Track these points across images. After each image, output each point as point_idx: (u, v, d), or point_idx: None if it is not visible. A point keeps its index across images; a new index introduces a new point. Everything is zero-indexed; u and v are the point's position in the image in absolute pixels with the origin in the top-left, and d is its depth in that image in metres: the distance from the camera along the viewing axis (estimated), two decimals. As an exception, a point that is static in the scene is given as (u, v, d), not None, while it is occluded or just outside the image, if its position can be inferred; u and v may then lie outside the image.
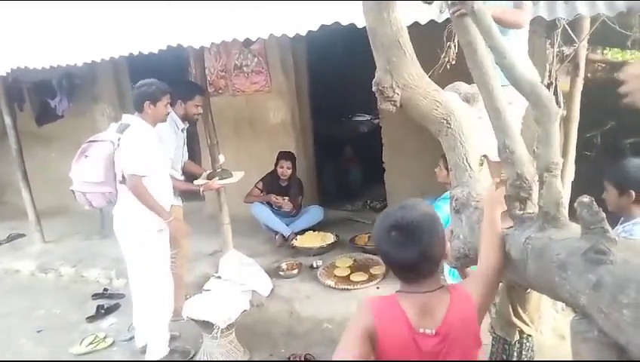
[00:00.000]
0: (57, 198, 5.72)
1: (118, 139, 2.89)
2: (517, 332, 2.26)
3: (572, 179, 3.58)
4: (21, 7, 4.85)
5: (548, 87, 3.14)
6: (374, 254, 3.85)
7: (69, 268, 4.45)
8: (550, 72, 3.09)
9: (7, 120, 4.69)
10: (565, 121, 3.48)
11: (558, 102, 3.33)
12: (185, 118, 3.55)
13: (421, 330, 1.26)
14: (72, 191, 3.02)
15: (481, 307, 1.34)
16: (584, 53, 3.34)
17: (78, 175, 2.95)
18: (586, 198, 1.14)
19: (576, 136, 3.53)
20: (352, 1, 2.18)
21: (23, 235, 5.16)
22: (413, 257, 1.27)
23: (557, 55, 3.10)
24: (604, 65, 6.38)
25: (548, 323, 2.95)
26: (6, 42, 4.05)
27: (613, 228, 1.77)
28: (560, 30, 2.99)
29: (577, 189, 3.64)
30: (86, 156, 2.93)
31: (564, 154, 3.54)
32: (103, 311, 3.80)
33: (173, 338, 3.25)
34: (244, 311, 3.12)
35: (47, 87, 5.38)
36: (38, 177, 5.15)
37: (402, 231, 1.27)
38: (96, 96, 5.49)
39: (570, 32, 2.94)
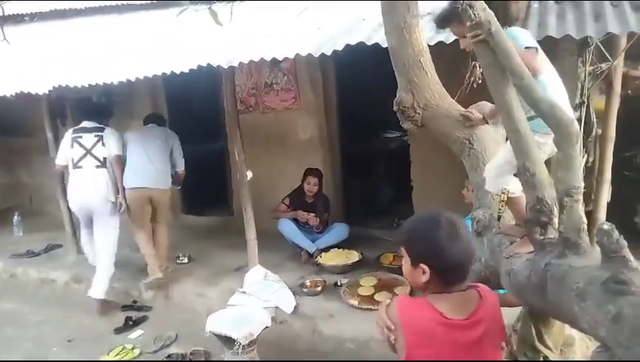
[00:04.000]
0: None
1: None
2: (541, 358, 2.16)
3: (608, 200, 3.44)
4: (63, 29, 5.13)
5: (580, 106, 3.06)
6: (399, 274, 3.79)
7: (102, 279, 4.57)
8: (582, 90, 3.00)
9: (49, 135, 4.92)
10: (601, 140, 3.37)
11: (591, 122, 3.23)
12: None
13: (454, 319, 1.28)
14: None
15: None
16: (620, 71, 3.23)
17: None
18: (605, 225, 1.11)
19: (615, 156, 3.41)
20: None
21: (60, 246, 5.35)
22: (466, 253, 1.31)
23: (590, 73, 3.02)
24: (646, 81, 6.12)
25: (579, 351, 2.82)
26: (49, 61, 4.28)
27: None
28: (593, 48, 2.92)
29: (616, 210, 3.50)
30: None
31: (600, 173, 3.41)
32: (131, 322, 3.89)
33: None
34: (266, 327, 3.13)
35: (88, 104, 5.62)
36: (76, 190, 5.36)
37: (455, 230, 1.29)
38: (133, 113, 5.69)
39: (602, 49, 2.87)
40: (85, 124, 4.24)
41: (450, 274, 1.32)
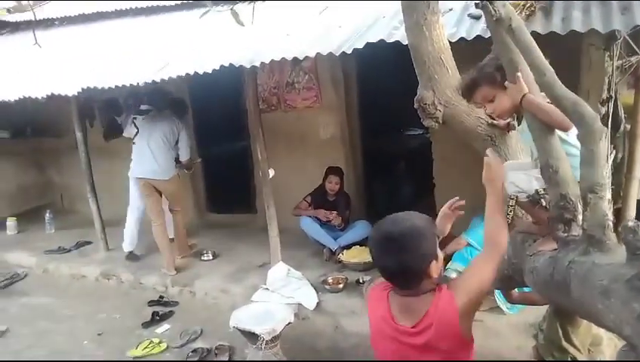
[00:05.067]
0: (121, 209, 6.10)
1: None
2: (569, 359, 2.13)
3: (638, 197, 3.35)
4: (92, 32, 5.28)
5: (608, 101, 2.98)
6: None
7: (129, 275, 4.70)
8: (610, 85, 2.93)
9: (79, 135, 5.06)
10: (630, 136, 3.28)
11: (618, 118, 3.15)
12: None
13: (401, 324, 1.42)
14: None
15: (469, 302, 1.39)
16: (650, 65, 3.14)
17: None
18: (630, 222, 1.09)
19: (644, 152, 3.31)
20: None
21: (89, 243, 5.51)
22: (393, 267, 1.40)
23: (618, 68, 2.94)
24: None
25: (607, 351, 2.76)
26: (78, 64, 4.42)
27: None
28: (621, 42, 2.85)
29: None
30: None
31: (628, 170, 3.33)
32: (157, 317, 3.98)
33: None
34: (289, 323, 3.16)
35: (115, 104, 5.76)
36: (104, 189, 5.51)
37: (387, 242, 1.41)
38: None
39: (631, 43, 2.79)
40: (142, 107, 4.78)
41: (389, 281, 1.45)
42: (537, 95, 1.47)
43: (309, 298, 3.77)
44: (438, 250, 1.44)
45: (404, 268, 1.38)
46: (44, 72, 4.54)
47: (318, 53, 3.06)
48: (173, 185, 4.61)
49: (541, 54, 1.32)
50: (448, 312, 1.36)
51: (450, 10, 3.02)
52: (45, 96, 4.13)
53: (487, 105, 1.72)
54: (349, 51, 2.95)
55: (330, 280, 3.97)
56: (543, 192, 1.55)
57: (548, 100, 1.42)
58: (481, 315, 3.28)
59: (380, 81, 5.73)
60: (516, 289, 2.06)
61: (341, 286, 3.89)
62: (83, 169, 5.14)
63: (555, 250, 1.47)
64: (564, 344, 2.14)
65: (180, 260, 4.70)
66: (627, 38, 2.72)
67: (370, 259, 4.18)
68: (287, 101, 5.21)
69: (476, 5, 1.40)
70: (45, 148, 6.88)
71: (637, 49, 2.84)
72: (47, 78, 4.37)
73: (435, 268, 1.39)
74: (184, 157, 4.65)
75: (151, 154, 4.47)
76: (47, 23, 5.70)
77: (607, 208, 1.30)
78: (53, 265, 5.18)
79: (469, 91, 1.76)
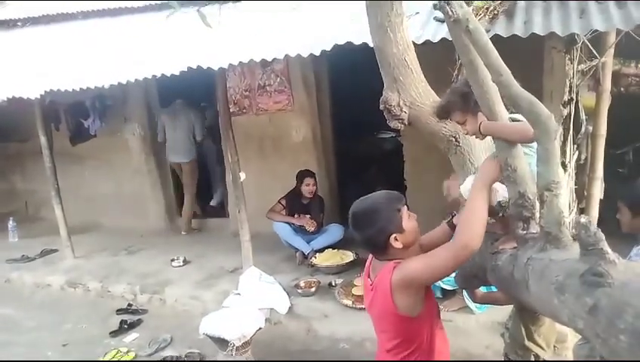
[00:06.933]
0: (89, 215, 5.95)
1: None
2: (532, 357, 2.16)
3: (600, 197, 3.44)
4: (56, 33, 5.13)
5: (569, 103, 3.07)
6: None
7: (96, 283, 4.56)
8: (571, 87, 3.01)
9: (43, 139, 4.90)
10: (592, 137, 3.37)
11: (580, 119, 3.24)
12: None
13: (369, 277, 1.70)
14: None
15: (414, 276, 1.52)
16: (609, 68, 3.24)
17: None
18: (583, 219, 1.11)
19: (607, 153, 3.41)
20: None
21: (55, 250, 5.34)
22: (358, 238, 1.65)
23: (578, 71, 3.03)
24: (639, 78, 6.18)
25: (572, 347, 2.82)
26: (41, 66, 4.29)
27: (629, 251, 1.70)
28: (581, 45, 2.93)
29: (609, 207, 3.50)
30: None
31: (591, 171, 3.42)
32: (126, 326, 3.88)
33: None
34: (260, 328, 3.12)
35: (81, 108, 5.62)
36: (71, 195, 5.36)
37: (351, 219, 1.66)
38: (126, 117, 5.70)
39: (590, 46, 2.88)
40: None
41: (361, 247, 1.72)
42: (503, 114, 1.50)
43: (281, 302, 3.73)
44: (404, 224, 1.57)
45: (364, 240, 1.63)
46: (5, 74, 4.39)
47: (286, 54, 3.05)
48: (190, 166, 5.53)
49: (498, 55, 1.33)
50: (384, 281, 1.55)
51: (417, 13, 3.06)
52: (6, 99, 3.99)
53: (461, 127, 1.77)
54: (318, 53, 2.95)
55: (302, 284, 3.95)
56: (504, 204, 1.57)
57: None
58: (451, 315, 3.32)
59: (352, 84, 5.75)
60: (483, 289, 2.08)
61: (313, 289, 3.87)
62: (47, 174, 4.98)
63: (516, 248, 1.49)
64: (527, 343, 2.16)
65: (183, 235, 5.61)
66: (586, 41, 2.81)
67: (342, 262, 4.23)
68: (259, 104, 5.18)
69: (434, 6, 1.41)
70: (8, 153, 6.66)
71: (596, 53, 2.94)
72: (8, 80, 4.23)
73: (396, 241, 1.55)
74: (198, 137, 5.52)
75: (177, 142, 5.43)
76: (10, 24, 5.52)
77: (563, 205, 1.32)
78: (16, 274, 5.00)
79: (444, 115, 1.81)
